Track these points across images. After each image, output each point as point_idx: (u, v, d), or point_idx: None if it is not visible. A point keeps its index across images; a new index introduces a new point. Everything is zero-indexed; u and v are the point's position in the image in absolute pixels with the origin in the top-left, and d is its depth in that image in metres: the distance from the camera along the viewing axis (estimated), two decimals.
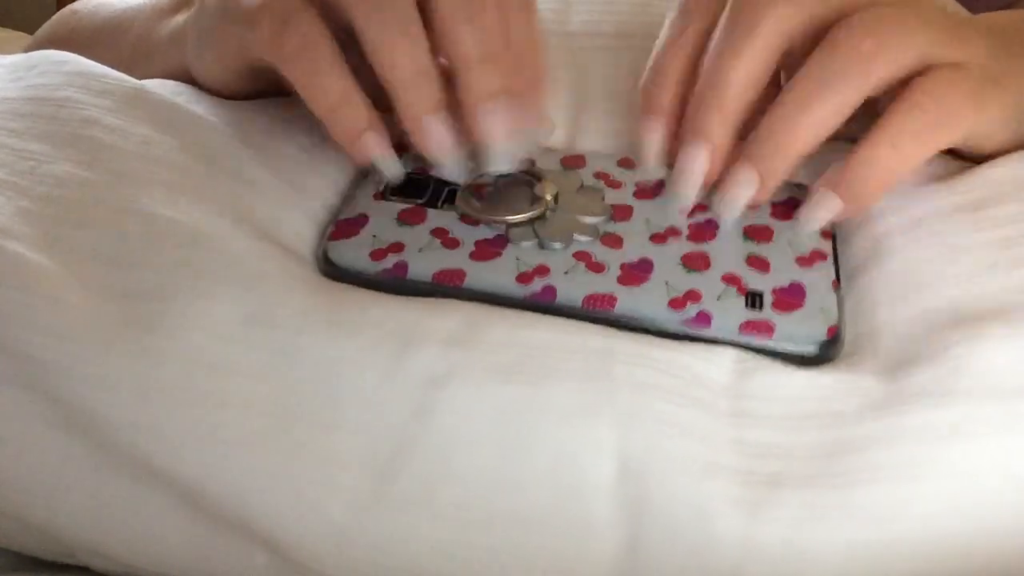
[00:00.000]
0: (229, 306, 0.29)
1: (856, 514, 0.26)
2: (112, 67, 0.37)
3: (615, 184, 0.35)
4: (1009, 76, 0.33)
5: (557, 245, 0.32)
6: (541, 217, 0.33)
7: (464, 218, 0.33)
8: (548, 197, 0.33)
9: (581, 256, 0.32)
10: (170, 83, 0.38)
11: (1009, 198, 0.33)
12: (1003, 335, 0.28)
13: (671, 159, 0.34)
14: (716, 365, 0.29)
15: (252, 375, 0.28)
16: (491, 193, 0.34)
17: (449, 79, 0.32)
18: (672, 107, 0.34)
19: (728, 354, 0.29)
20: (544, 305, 0.30)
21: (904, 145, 0.31)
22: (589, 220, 0.33)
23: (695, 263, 0.32)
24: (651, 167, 0.35)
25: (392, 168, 0.33)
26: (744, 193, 0.32)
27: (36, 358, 0.28)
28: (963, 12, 0.37)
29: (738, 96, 0.32)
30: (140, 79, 0.37)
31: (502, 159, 0.32)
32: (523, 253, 0.32)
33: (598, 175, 0.35)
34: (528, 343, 0.29)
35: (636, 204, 0.34)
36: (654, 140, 0.34)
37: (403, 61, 0.30)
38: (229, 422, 0.28)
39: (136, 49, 0.45)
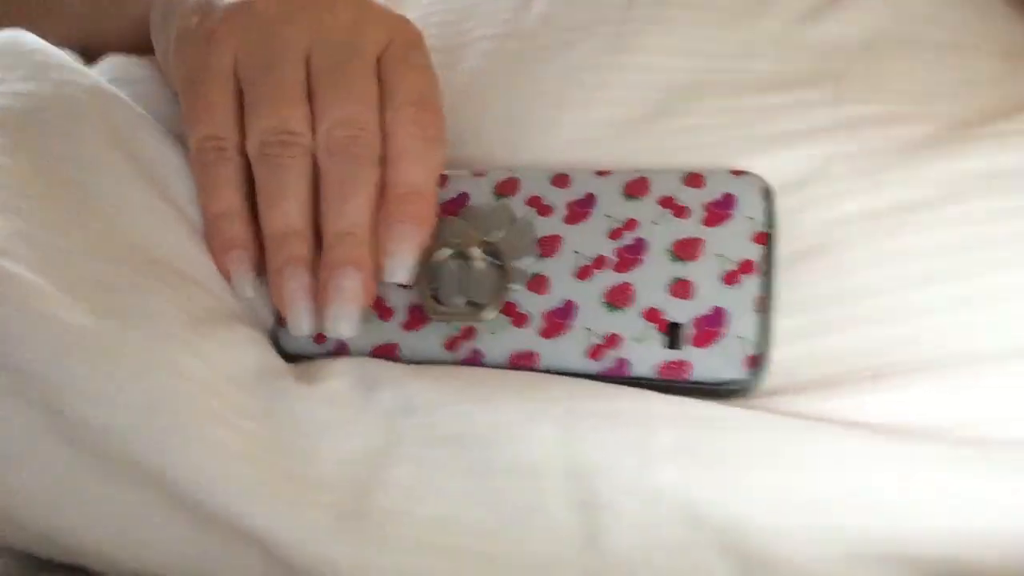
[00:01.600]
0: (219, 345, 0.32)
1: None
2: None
3: (546, 210, 0.35)
4: None
5: (486, 302, 0.33)
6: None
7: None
8: (475, 252, 0.34)
9: (507, 309, 0.32)
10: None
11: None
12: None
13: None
14: None
15: (242, 404, 0.31)
16: (437, 273, 0.34)
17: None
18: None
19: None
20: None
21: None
22: (518, 265, 0.33)
23: (618, 299, 0.32)
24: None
25: (243, 290, 0.35)
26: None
27: (36, 373, 0.30)
28: None
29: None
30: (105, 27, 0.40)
31: (337, 324, 0.33)
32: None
33: (530, 201, 0.35)
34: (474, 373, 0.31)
35: (565, 231, 0.34)
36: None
37: (280, 218, 0.33)
38: (224, 438, 0.30)
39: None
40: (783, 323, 0.31)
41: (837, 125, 0.34)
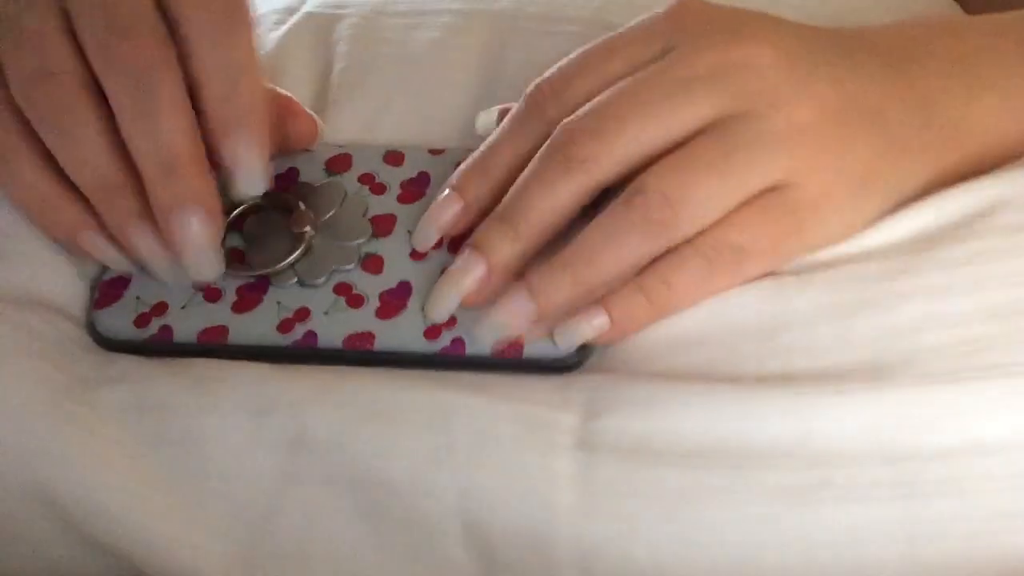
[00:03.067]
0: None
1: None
2: None
3: (379, 188, 0.34)
4: (883, 170, 0.31)
5: (319, 281, 0.32)
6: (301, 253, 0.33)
7: (230, 256, 0.33)
8: (306, 230, 0.33)
9: (342, 289, 0.32)
10: None
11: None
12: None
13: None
14: (565, 411, 0.29)
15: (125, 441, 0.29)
16: (248, 235, 0.33)
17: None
18: (481, 200, 0.32)
19: (577, 398, 0.29)
20: (308, 352, 0.31)
21: (679, 287, 0.30)
22: (350, 244, 0.33)
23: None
24: (425, 237, 0.33)
25: (118, 264, 0.32)
26: (517, 322, 0.30)
27: None
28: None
29: (538, 224, 0.30)
30: None
31: (198, 267, 0.31)
32: (284, 296, 0.32)
33: (363, 178, 0.35)
34: (376, 399, 0.29)
35: (399, 210, 0.34)
36: (446, 215, 0.32)
37: (89, 174, 0.30)
38: (115, 482, 0.29)
39: None
40: None
41: None
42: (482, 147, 0.33)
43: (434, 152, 0.35)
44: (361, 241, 0.33)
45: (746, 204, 0.30)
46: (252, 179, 0.31)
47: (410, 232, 0.33)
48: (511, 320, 0.30)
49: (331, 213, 0.34)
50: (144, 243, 0.31)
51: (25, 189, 0.31)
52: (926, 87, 0.32)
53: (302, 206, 0.33)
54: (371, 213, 0.34)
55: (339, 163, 0.35)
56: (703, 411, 0.28)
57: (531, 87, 0.32)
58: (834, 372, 0.29)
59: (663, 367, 0.30)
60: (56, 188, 0.31)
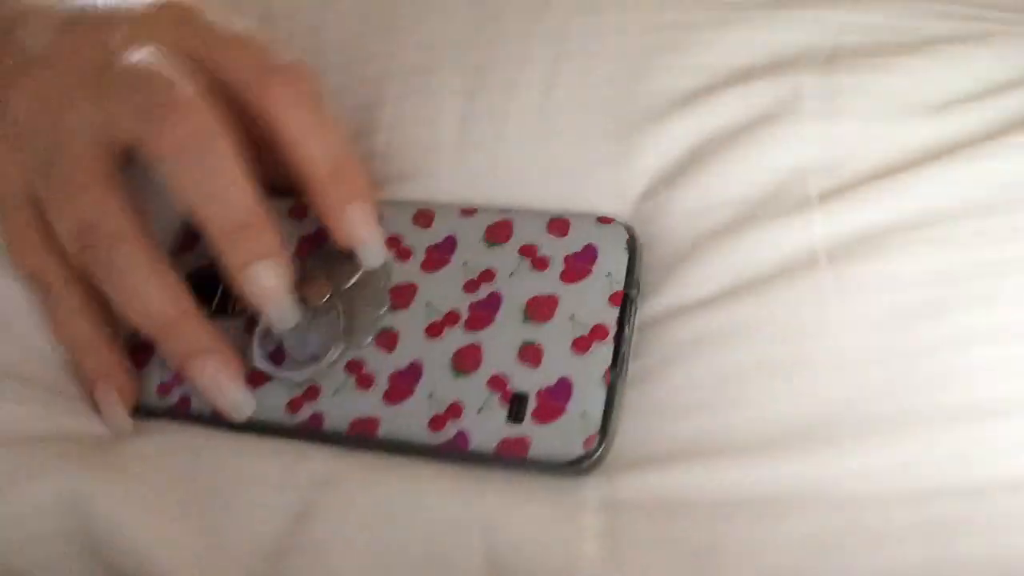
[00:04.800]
0: None
1: None
2: None
3: (405, 253, 0.33)
4: None
5: (331, 356, 0.31)
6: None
7: (249, 325, 0.32)
8: (324, 302, 0.32)
9: (353, 367, 0.31)
10: None
11: None
12: None
13: None
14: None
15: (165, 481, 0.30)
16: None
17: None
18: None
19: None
20: (314, 432, 0.30)
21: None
22: (367, 318, 0.32)
23: (464, 363, 0.30)
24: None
25: (117, 421, 0.32)
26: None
27: None
28: None
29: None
30: None
31: (281, 318, 0.31)
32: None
33: (390, 242, 0.33)
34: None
35: (421, 280, 0.32)
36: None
37: (219, 214, 0.30)
38: (153, 523, 0.30)
39: None
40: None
41: None
42: None
43: (466, 212, 0.33)
44: (379, 313, 0.32)
45: None
46: (375, 252, 0.32)
47: (428, 304, 0.31)
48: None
49: (353, 281, 0.32)
50: (270, 280, 0.31)
51: (71, 331, 0.33)
52: None
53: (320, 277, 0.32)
54: (392, 282, 0.32)
55: None
56: (727, 462, 0.28)
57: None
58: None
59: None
60: (99, 334, 0.33)
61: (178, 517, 0.30)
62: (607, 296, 0.30)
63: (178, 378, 0.32)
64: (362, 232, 0.32)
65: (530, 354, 0.30)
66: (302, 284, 0.32)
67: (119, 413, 0.32)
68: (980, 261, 0.29)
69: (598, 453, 0.28)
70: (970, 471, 0.27)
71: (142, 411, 0.32)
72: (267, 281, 0.30)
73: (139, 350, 0.33)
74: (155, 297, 0.31)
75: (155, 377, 0.32)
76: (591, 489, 0.29)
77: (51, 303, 0.33)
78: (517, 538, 0.28)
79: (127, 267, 0.30)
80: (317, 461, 0.30)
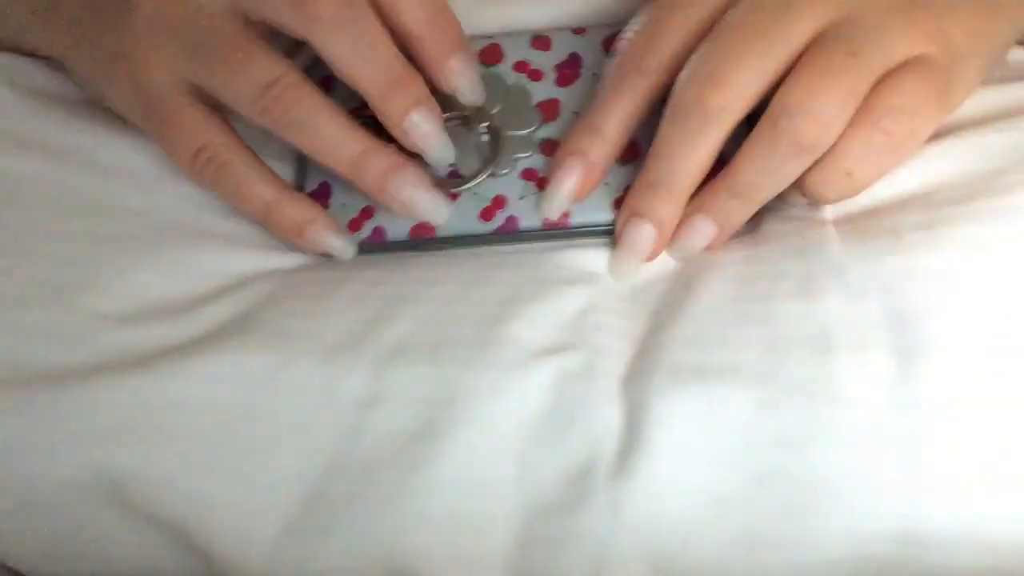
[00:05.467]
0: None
1: None
2: None
3: (536, 75, 0.37)
4: (984, 37, 0.33)
5: (504, 171, 0.35)
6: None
7: (415, 160, 0.36)
8: (486, 126, 0.36)
9: (529, 175, 0.35)
10: None
11: None
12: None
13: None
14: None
15: (196, 408, 0.31)
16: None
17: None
18: (603, 161, 0.34)
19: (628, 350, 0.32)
20: (512, 235, 0.35)
21: (860, 172, 0.31)
22: (524, 133, 0.36)
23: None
24: (555, 207, 0.35)
25: (344, 251, 0.35)
26: (701, 243, 0.33)
27: None
28: None
29: (690, 181, 0.33)
30: None
31: (440, 155, 0.35)
32: (478, 187, 0.35)
33: (518, 66, 0.37)
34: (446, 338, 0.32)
35: (561, 94, 0.37)
36: (569, 182, 0.34)
37: (375, 73, 0.33)
38: (179, 453, 0.31)
39: None
40: None
41: None
42: (588, 108, 0.35)
43: (577, 31, 0.38)
44: (534, 128, 0.36)
45: (887, 76, 0.31)
46: (476, 89, 0.35)
47: (575, 113, 0.36)
48: (698, 243, 0.33)
49: (499, 106, 0.36)
50: (426, 126, 0.34)
51: (253, 197, 0.34)
52: None
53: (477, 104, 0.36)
54: (535, 100, 0.37)
55: (491, 55, 0.38)
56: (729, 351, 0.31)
57: (622, 43, 0.34)
58: None
59: None
60: (281, 190, 0.35)
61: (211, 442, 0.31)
62: None
63: (365, 212, 0.35)
64: (463, 74, 0.35)
65: None
66: (462, 118, 0.36)
67: (342, 242, 0.35)
68: None
69: None
70: None
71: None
72: (425, 126, 0.34)
73: (315, 195, 0.36)
74: (344, 135, 0.33)
75: (341, 216, 0.35)
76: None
77: (227, 176, 0.34)
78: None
79: (312, 112, 0.33)
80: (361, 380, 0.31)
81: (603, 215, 0.35)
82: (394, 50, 0.33)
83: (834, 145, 0.31)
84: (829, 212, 0.34)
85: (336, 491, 0.30)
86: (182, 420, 0.31)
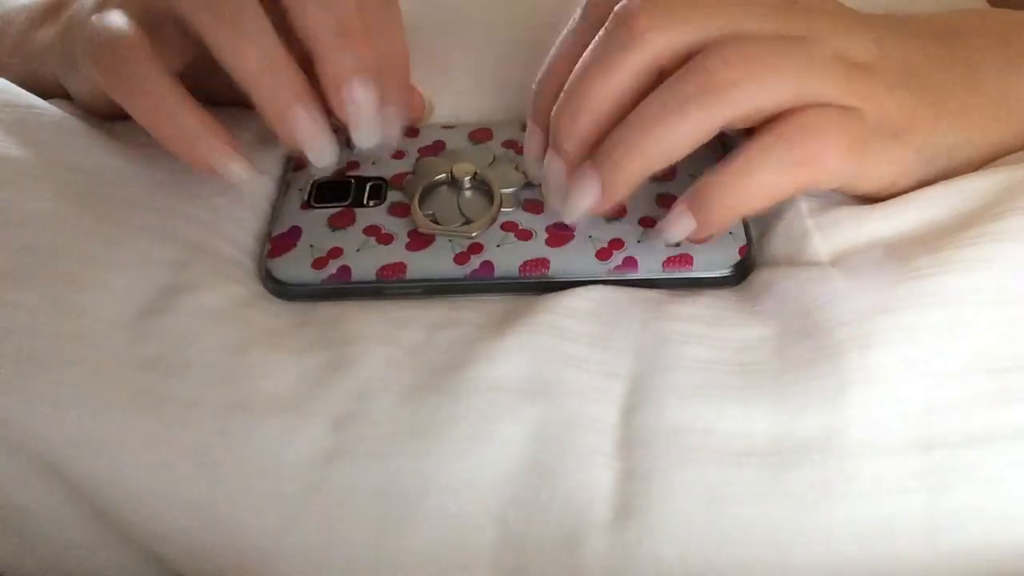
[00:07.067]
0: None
1: None
2: None
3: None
4: (919, 126, 0.32)
5: (488, 217, 0.34)
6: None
7: (392, 210, 0.35)
8: (470, 177, 0.35)
9: (509, 227, 0.34)
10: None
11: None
12: None
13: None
14: (604, 404, 0.30)
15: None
16: (425, 196, 0.35)
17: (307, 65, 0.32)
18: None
19: (617, 390, 0.30)
20: (485, 281, 0.33)
21: (757, 175, 0.29)
22: (508, 191, 0.35)
23: (613, 213, 0.34)
24: (530, 170, 0.35)
25: (323, 154, 0.33)
26: (584, 201, 0.31)
27: None
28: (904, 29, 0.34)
29: (596, 111, 0.31)
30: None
31: (366, 136, 0.33)
32: (454, 234, 0.34)
33: (506, 144, 0.37)
34: (424, 410, 0.30)
35: None
36: (532, 146, 0.34)
37: (251, 55, 0.31)
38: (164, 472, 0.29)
39: (9, 63, 0.43)
40: None
41: None
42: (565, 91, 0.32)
43: None
44: (518, 188, 0.35)
45: (813, 103, 0.30)
46: (367, 133, 0.33)
47: None
48: (581, 202, 0.31)
49: (486, 167, 0.36)
50: (305, 121, 0.32)
51: (246, 51, 0.31)
52: (968, 57, 0.33)
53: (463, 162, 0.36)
54: (522, 168, 0.36)
55: (481, 135, 0.38)
56: (740, 407, 0.29)
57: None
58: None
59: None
60: (282, 54, 0.32)
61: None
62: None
63: (332, 253, 0.33)
64: (357, 108, 0.32)
65: (667, 201, 0.34)
66: (453, 165, 0.36)
67: (323, 140, 0.32)
68: None
69: (750, 262, 0.33)
70: (972, 422, 0.28)
71: (295, 292, 0.33)
72: (361, 96, 0.32)
73: (283, 237, 0.34)
74: (256, 42, 0.31)
75: (306, 256, 0.33)
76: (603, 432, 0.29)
77: (238, 19, 0.31)
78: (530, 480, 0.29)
79: (235, 10, 0.31)
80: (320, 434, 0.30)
81: (584, 267, 0.32)
82: (352, 4, 0.32)
83: (737, 151, 0.30)
84: (824, 252, 0.32)
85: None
86: None
